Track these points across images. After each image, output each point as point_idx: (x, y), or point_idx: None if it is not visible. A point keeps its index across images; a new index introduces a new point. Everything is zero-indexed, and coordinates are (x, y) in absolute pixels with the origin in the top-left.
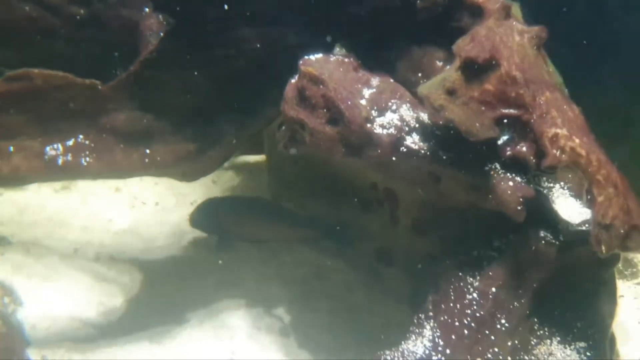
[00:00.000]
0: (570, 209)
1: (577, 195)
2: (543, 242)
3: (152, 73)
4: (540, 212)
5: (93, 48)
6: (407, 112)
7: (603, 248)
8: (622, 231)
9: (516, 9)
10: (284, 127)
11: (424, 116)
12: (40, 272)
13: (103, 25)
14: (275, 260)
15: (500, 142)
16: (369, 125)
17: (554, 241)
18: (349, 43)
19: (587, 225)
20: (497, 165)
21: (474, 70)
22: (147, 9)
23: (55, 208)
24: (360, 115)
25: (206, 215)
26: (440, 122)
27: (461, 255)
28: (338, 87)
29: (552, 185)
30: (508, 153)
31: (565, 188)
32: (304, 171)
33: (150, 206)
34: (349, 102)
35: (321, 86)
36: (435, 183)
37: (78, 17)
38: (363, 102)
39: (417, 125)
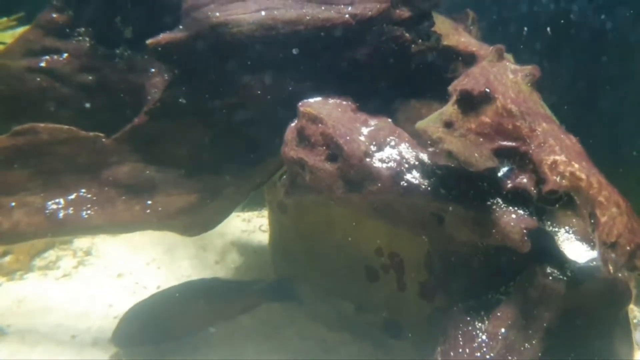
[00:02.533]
0: (576, 251)
1: (582, 239)
2: (550, 277)
3: (155, 124)
4: (546, 249)
5: (101, 114)
6: (406, 150)
7: (611, 267)
8: (628, 248)
9: (510, 59)
10: (284, 177)
11: (424, 156)
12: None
13: (111, 91)
14: (278, 335)
15: (500, 174)
16: (368, 159)
17: (561, 277)
18: (348, 91)
19: (595, 262)
20: (499, 200)
21: (469, 103)
22: (153, 70)
23: (54, 296)
24: (359, 149)
25: (131, 329)
26: (439, 156)
27: (469, 301)
28: (336, 124)
29: (557, 229)
30: (509, 185)
31: (571, 232)
32: (307, 240)
33: (151, 290)
34: (348, 138)
35: (320, 124)
36: (439, 224)
37: (87, 84)
38: (362, 138)
39: (416, 163)
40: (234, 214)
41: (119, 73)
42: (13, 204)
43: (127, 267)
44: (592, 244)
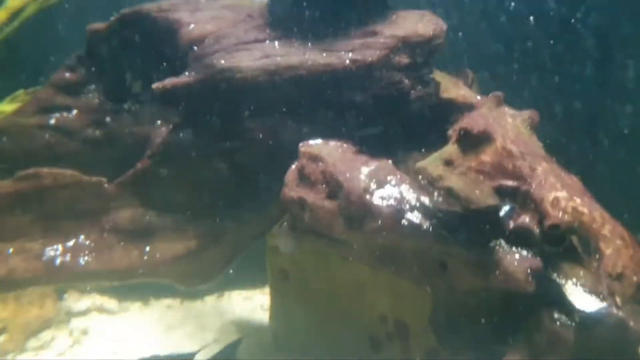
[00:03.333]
0: (585, 302)
1: (591, 291)
2: (558, 323)
3: (157, 169)
4: (553, 296)
5: (106, 167)
6: (407, 191)
7: (618, 299)
8: (634, 280)
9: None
10: (285, 223)
11: (425, 199)
12: None
13: (117, 144)
14: None
15: (502, 213)
16: (368, 196)
17: (570, 323)
18: (348, 135)
19: (604, 310)
20: (502, 241)
21: (469, 142)
22: (159, 122)
23: None
24: (359, 186)
25: None
26: (442, 200)
27: (474, 355)
28: (337, 162)
29: (564, 281)
30: (511, 225)
31: (578, 285)
32: (309, 309)
33: None
34: (348, 175)
35: (320, 163)
36: (442, 271)
37: (94, 139)
38: (362, 176)
39: (417, 204)
40: (235, 292)
41: (126, 126)
42: (11, 250)
43: (123, 346)
44: (601, 295)
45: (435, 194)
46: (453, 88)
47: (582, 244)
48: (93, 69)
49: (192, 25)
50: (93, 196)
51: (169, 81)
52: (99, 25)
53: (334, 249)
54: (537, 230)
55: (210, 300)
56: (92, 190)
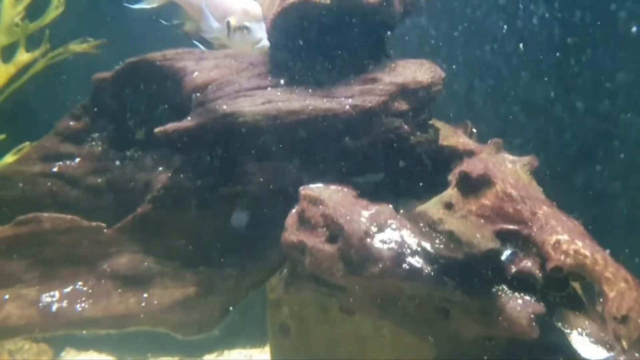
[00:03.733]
0: (590, 351)
1: (596, 341)
2: None
3: (158, 214)
4: (558, 345)
5: (107, 214)
6: (408, 236)
7: (624, 343)
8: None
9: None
10: (285, 270)
11: (427, 244)
12: None
13: (119, 191)
14: None
15: (503, 257)
16: (368, 239)
17: None
18: (349, 180)
19: (610, 358)
20: (504, 287)
21: (469, 185)
22: (160, 168)
23: None
24: (359, 229)
25: None
26: (441, 238)
27: None
28: (337, 205)
29: (569, 331)
30: (513, 270)
31: (584, 334)
32: None
33: None
34: (348, 217)
35: (320, 206)
36: (444, 318)
37: (96, 186)
38: (362, 219)
39: (419, 249)
40: (235, 350)
41: (128, 173)
42: (7, 296)
43: None
44: (607, 346)
45: (437, 240)
46: (452, 136)
47: (585, 292)
48: (97, 117)
49: (195, 73)
50: (92, 241)
51: (171, 125)
52: (105, 73)
53: (334, 299)
54: (539, 275)
55: (209, 359)
56: (91, 236)
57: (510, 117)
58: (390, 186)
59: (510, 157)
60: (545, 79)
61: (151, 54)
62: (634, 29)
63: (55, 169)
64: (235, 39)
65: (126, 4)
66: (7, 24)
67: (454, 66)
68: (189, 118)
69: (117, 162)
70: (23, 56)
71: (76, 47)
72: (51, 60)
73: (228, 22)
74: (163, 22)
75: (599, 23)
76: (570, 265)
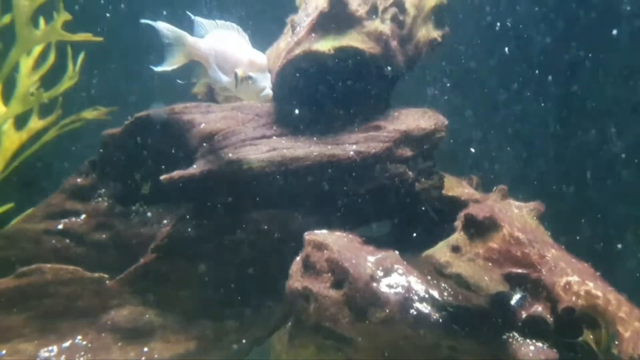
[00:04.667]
0: None
1: None
2: None
3: (161, 264)
4: None
5: (110, 270)
6: (415, 282)
7: None
8: None
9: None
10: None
11: (434, 292)
12: None
13: (123, 247)
14: None
15: (513, 302)
16: (374, 284)
17: None
18: (354, 227)
19: None
20: (515, 334)
21: (475, 228)
22: (165, 221)
23: None
24: (365, 273)
25: None
26: (449, 289)
27: None
28: (342, 250)
29: None
30: (524, 315)
31: None
32: None
33: None
34: (353, 261)
35: (325, 251)
36: None
37: (100, 242)
38: (368, 263)
39: (426, 296)
40: None
41: (133, 228)
42: (4, 352)
43: None
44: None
45: (445, 288)
46: (458, 187)
47: (599, 342)
48: (105, 172)
49: (202, 125)
50: (93, 293)
51: (177, 173)
52: (113, 129)
53: (340, 353)
54: (551, 320)
55: None
56: (92, 287)
57: None
58: (396, 235)
59: (516, 203)
60: None
61: (159, 108)
62: None
63: (60, 227)
64: (241, 88)
65: (151, 67)
66: (23, 93)
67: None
68: (194, 166)
69: (123, 218)
70: (36, 123)
71: (88, 114)
72: (63, 129)
73: (235, 74)
74: (180, 82)
75: None
76: (582, 307)
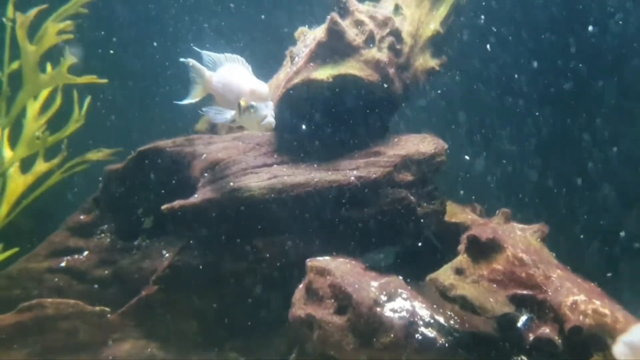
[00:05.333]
0: None
1: None
2: None
3: (163, 295)
4: None
5: (112, 306)
6: (420, 307)
7: None
8: None
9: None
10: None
11: (440, 318)
12: None
13: (125, 282)
14: None
15: (519, 324)
16: (378, 308)
17: None
18: (356, 253)
19: None
20: (523, 358)
21: (479, 250)
22: (167, 254)
23: None
24: (368, 297)
25: None
26: (455, 317)
27: None
28: (345, 275)
29: None
30: (531, 338)
31: None
32: None
33: None
34: (357, 286)
35: (328, 276)
36: None
37: (103, 278)
38: (372, 288)
39: (432, 321)
40: None
41: (135, 263)
42: None
43: None
44: None
45: (451, 315)
46: (461, 214)
47: None
48: (108, 208)
49: (204, 156)
50: (95, 327)
51: (178, 202)
52: (116, 165)
53: None
54: (559, 341)
55: None
56: (94, 321)
57: None
58: (399, 261)
59: (520, 225)
60: None
61: (162, 141)
62: None
63: (63, 264)
64: (244, 117)
65: (175, 102)
66: (29, 137)
67: None
68: (195, 196)
69: (125, 253)
70: (41, 166)
71: (93, 155)
72: (68, 172)
73: (239, 104)
74: (201, 111)
75: None
76: (590, 326)
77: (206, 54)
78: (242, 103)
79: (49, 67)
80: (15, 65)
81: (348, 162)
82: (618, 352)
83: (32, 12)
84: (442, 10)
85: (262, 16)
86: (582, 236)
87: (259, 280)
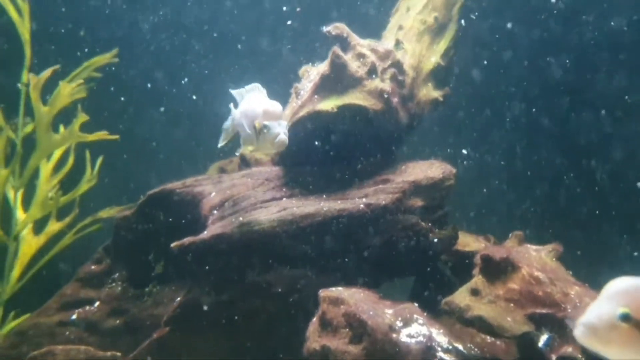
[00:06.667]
0: None
1: None
2: None
3: (174, 337)
4: None
5: (124, 354)
6: (438, 334)
7: None
8: None
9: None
10: None
11: (459, 345)
12: None
13: (137, 330)
14: None
15: (540, 344)
16: (394, 334)
17: None
18: (369, 284)
19: None
20: None
21: (493, 270)
22: (178, 298)
23: None
24: (383, 323)
25: None
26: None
27: None
28: (359, 302)
29: None
30: (554, 359)
31: None
32: None
33: None
34: (371, 313)
35: (342, 305)
36: None
37: (114, 328)
38: (387, 314)
39: (450, 348)
40: None
41: (147, 310)
42: None
43: None
44: None
45: (469, 341)
46: (474, 242)
47: None
48: (118, 256)
49: (213, 194)
50: None
51: (188, 239)
52: (126, 211)
53: None
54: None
55: None
56: None
57: None
58: (414, 290)
59: (534, 246)
60: None
61: (171, 183)
62: None
63: (74, 317)
64: (261, 138)
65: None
66: (42, 198)
67: None
68: (205, 232)
69: (136, 301)
70: (54, 226)
71: (105, 213)
72: (81, 233)
73: (254, 127)
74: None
75: None
76: None
77: (233, 92)
78: (257, 125)
79: (61, 128)
80: (29, 128)
81: (357, 190)
82: (579, 335)
83: (46, 73)
84: (443, 44)
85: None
86: None
87: (272, 317)
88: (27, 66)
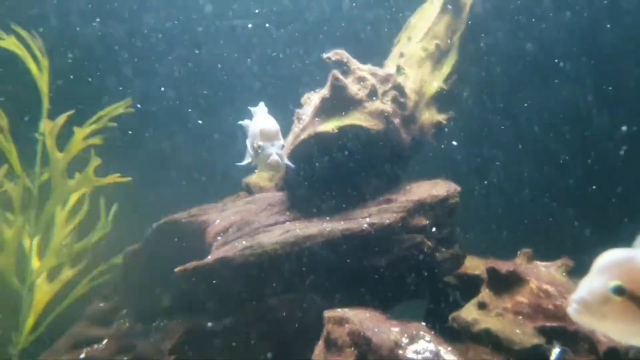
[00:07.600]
0: None
1: None
2: None
3: None
4: None
5: None
6: (446, 353)
7: None
8: None
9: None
10: None
11: None
12: None
13: None
14: None
15: (553, 358)
16: (400, 351)
17: None
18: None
19: None
20: None
21: (500, 282)
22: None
23: None
24: (388, 339)
25: None
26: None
27: None
28: (364, 321)
29: None
30: None
31: None
32: None
33: None
34: (376, 330)
35: (346, 324)
36: None
37: None
38: (392, 331)
39: None
40: None
41: (154, 345)
42: None
43: None
44: None
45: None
46: (482, 265)
47: None
48: (127, 292)
49: (217, 221)
50: None
51: (191, 264)
52: (135, 245)
53: None
54: None
55: None
56: None
57: None
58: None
59: (543, 263)
60: None
61: (178, 214)
62: None
63: (82, 356)
64: (258, 158)
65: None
66: (57, 246)
67: None
68: (209, 257)
69: (144, 337)
70: (67, 273)
71: (118, 259)
72: (95, 282)
73: (253, 146)
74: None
75: None
76: (625, 346)
77: (252, 109)
78: (255, 145)
79: (77, 175)
80: (45, 176)
81: (360, 211)
82: (572, 312)
83: (61, 119)
84: (445, 70)
85: None
86: None
87: (277, 342)
88: (44, 116)
